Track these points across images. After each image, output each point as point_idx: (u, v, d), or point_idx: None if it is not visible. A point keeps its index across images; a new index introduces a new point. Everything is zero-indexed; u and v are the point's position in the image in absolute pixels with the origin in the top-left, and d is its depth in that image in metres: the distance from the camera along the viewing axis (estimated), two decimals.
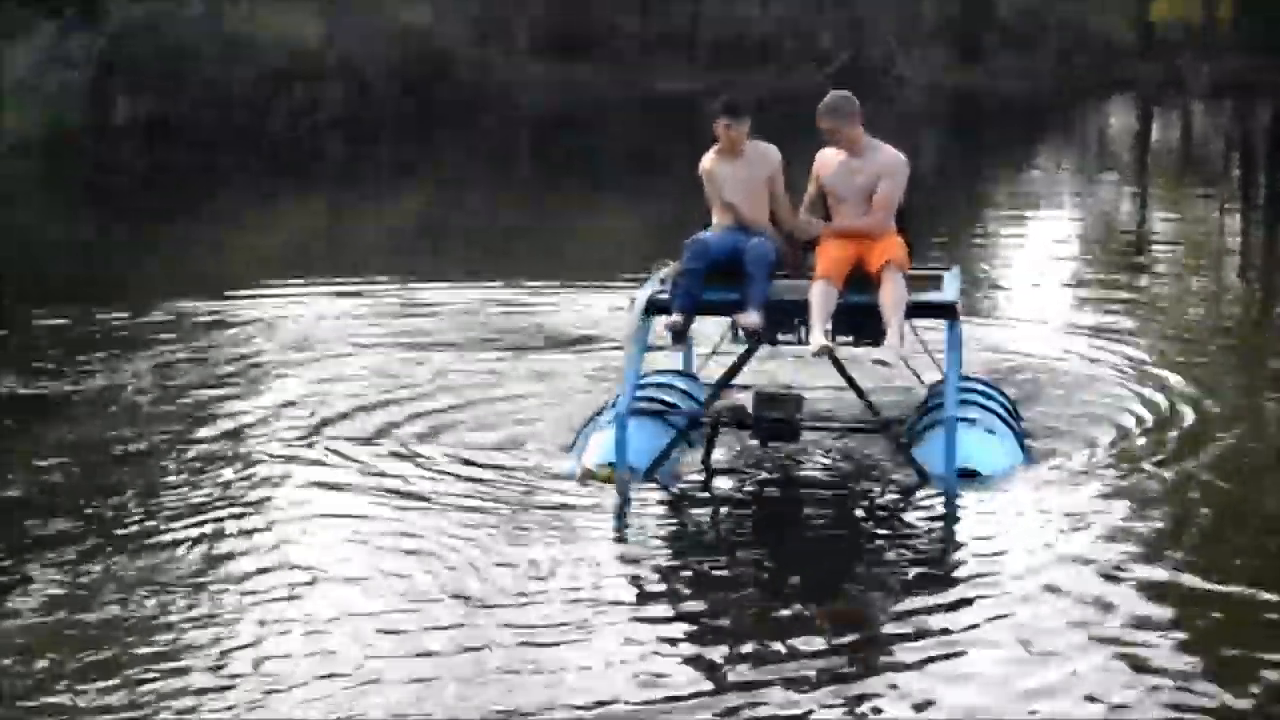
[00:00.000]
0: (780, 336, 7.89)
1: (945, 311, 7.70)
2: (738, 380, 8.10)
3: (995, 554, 6.52)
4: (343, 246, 17.63)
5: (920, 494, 7.29)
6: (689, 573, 6.41)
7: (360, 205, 21.52)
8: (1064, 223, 18.93)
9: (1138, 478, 7.49)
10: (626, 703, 5.10)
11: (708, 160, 8.14)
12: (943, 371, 8.53)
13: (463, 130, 31.58)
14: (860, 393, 7.76)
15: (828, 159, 7.91)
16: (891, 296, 7.45)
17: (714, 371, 8.46)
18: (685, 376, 8.66)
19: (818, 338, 7.43)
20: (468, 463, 7.74)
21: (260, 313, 11.97)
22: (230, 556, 6.46)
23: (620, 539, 6.86)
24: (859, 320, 7.66)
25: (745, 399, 7.74)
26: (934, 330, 8.20)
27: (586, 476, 7.40)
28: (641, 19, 43.02)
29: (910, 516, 7.08)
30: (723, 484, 7.58)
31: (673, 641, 5.62)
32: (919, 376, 8.54)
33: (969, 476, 7.30)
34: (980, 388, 8.28)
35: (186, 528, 6.78)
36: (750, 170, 8.03)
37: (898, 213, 7.86)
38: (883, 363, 7.38)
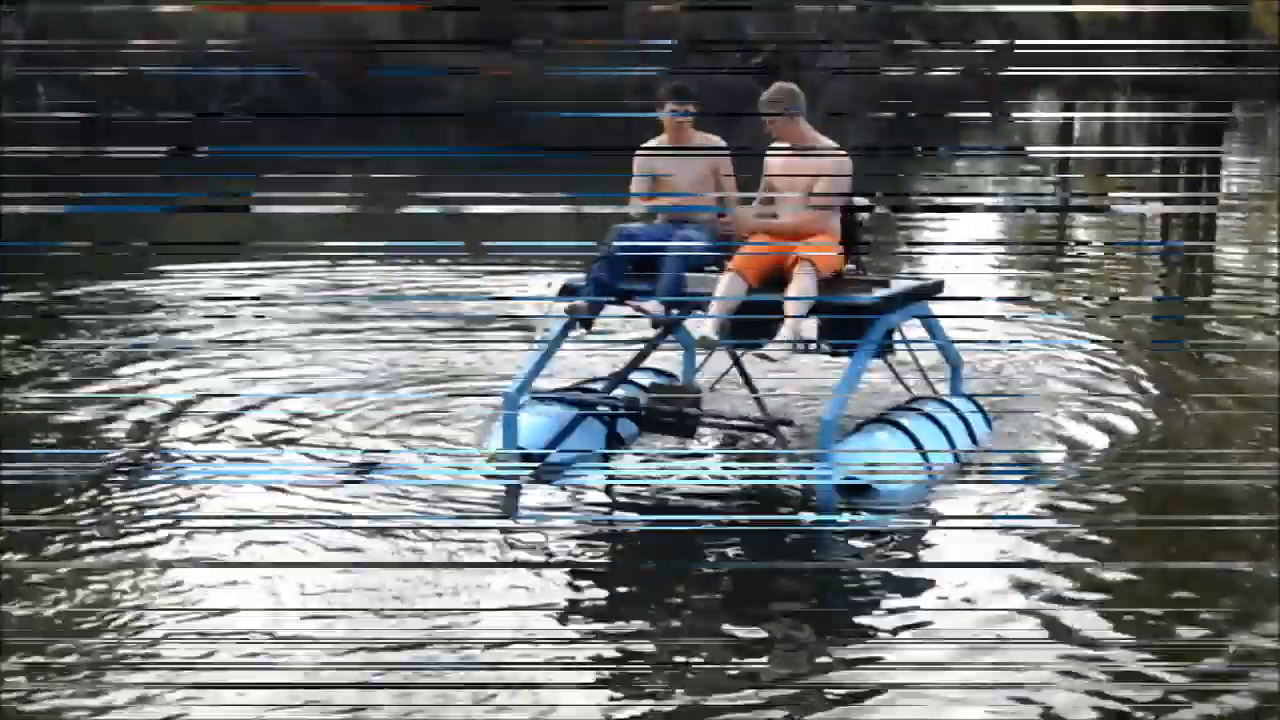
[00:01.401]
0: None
1: (865, 313, 7.43)
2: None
3: (946, 562, 6.42)
4: (269, 230, 17.46)
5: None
6: (613, 569, 6.38)
7: (287, 191, 21.30)
8: (984, 219, 19.07)
9: (1085, 482, 7.41)
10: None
11: (649, 148, 7.94)
12: (935, 390, 8.41)
13: (393, 117, 31.37)
14: (753, 390, 7.62)
15: (776, 154, 7.68)
16: (795, 294, 7.17)
17: (712, 374, 8.29)
18: (660, 374, 8.38)
19: (706, 326, 7.26)
20: (390, 449, 7.67)
21: (183, 293, 11.88)
22: (138, 548, 6.30)
23: (511, 531, 6.71)
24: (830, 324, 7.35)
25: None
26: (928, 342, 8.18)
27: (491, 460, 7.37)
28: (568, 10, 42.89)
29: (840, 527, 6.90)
30: (629, 486, 7.36)
31: (603, 648, 5.49)
32: (935, 391, 8.45)
33: (860, 490, 7.06)
34: (950, 401, 8.09)
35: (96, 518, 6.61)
36: (693, 160, 7.86)
37: (843, 217, 7.63)
38: (766, 357, 7.20)
